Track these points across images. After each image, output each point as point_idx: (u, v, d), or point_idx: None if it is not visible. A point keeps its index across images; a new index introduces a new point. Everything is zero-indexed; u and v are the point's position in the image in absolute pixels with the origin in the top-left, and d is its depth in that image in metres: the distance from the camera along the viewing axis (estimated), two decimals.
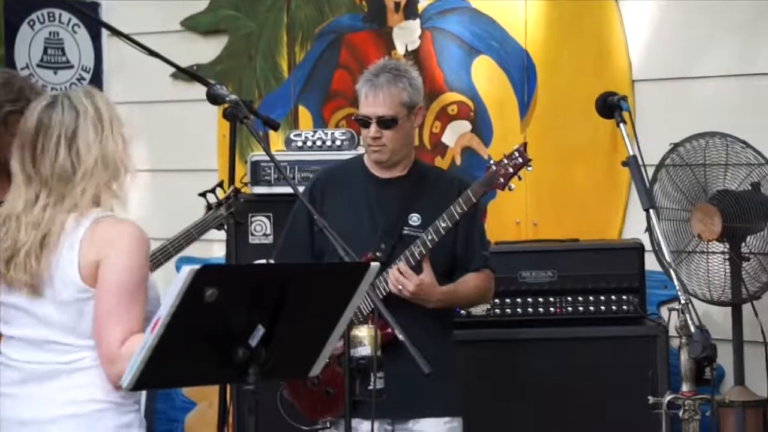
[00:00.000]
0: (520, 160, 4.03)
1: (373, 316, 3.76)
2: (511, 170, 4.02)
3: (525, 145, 4.08)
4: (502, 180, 4.01)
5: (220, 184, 4.59)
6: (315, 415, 4.10)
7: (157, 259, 4.34)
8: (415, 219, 4.13)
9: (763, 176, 4.57)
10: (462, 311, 4.73)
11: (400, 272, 3.99)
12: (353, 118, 4.14)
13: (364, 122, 4.13)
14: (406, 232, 4.11)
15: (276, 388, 4.27)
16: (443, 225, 4.01)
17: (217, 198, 4.53)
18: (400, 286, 3.99)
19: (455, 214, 4.01)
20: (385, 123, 4.10)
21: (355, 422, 3.79)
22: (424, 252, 4.01)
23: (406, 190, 4.16)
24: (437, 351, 3.95)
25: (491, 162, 4.07)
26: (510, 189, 4.05)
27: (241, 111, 3.89)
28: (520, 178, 4.05)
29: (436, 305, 4.05)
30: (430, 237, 4.01)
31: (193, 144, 6.19)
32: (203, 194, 4.50)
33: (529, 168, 4.04)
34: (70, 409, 3.15)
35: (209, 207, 4.47)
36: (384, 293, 4.01)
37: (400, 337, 3.45)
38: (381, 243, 4.10)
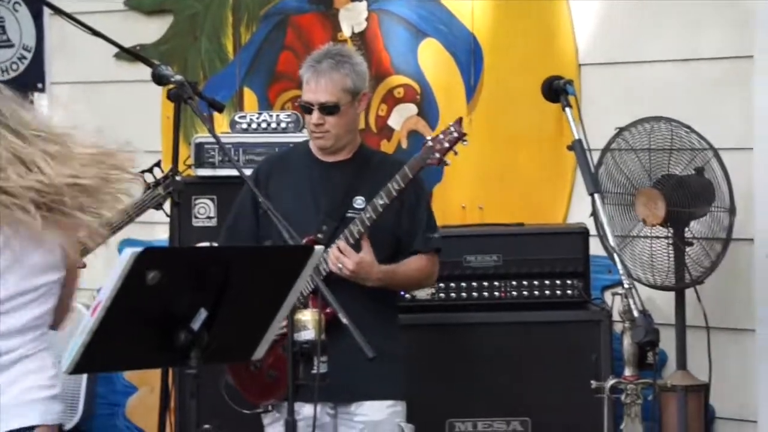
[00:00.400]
0: (455, 134, 4.05)
1: (316, 299, 3.75)
2: (446, 145, 4.03)
3: (460, 119, 4.10)
4: (438, 155, 4.03)
5: (158, 164, 4.57)
6: (257, 398, 4.11)
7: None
8: (359, 202, 4.14)
9: (707, 161, 4.61)
10: (407, 295, 4.74)
11: (340, 250, 4.00)
12: (296, 103, 4.14)
13: (307, 108, 4.15)
14: (350, 214, 4.12)
15: (219, 371, 4.26)
16: (381, 202, 4.03)
17: (155, 178, 4.51)
18: (340, 264, 4.00)
19: (392, 191, 4.03)
20: (328, 109, 4.11)
21: (297, 405, 3.79)
22: (362, 230, 4.02)
23: (350, 173, 4.18)
24: (381, 334, 3.96)
25: (427, 138, 4.09)
26: (446, 164, 4.07)
27: (185, 92, 3.88)
28: (455, 153, 4.07)
29: (375, 284, 4.06)
30: (368, 215, 4.03)
31: (136, 125, 6.14)
32: (140, 174, 4.48)
33: (465, 142, 4.06)
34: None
35: (147, 187, 4.45)
36: (324, 273, 4.02)
37: (344, 320, 3.46)
38: (323, 225, 4.11)
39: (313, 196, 4.17)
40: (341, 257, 4.00)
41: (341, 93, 4.10)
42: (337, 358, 3.78)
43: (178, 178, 4.40)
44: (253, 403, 4.14)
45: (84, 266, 4.32)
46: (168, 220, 4.63)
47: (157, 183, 4.45)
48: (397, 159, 4.33)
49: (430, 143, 4.06)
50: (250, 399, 4.13)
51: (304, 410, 3.92)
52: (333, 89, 4.10)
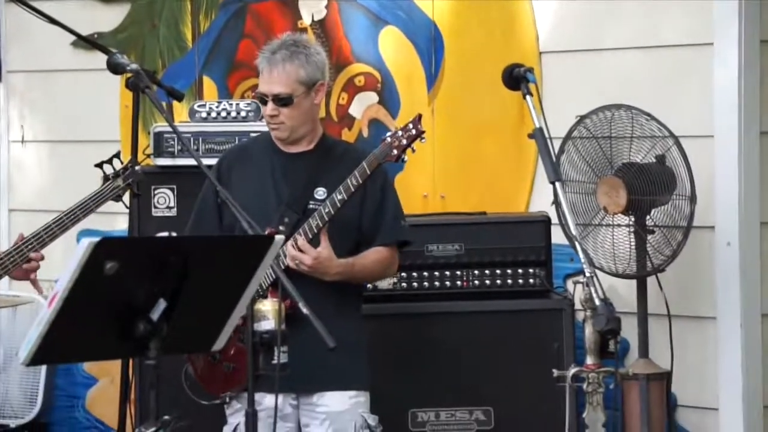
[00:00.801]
0: (414, 131, 4.04)
1: (276, 289, 3.75)
2: (405, 142, 4.03)
3: (419, 117, 4.09)
4: (395, 152, 4.03)
5: (117, 155, 4.55)
6: (217, 389, 4.10)
7: (52, 232, 4.30)
8: (320, 193, 4.13)
9: (667, 149, 4.63)
10: (369, 285, 4.74)
11: (297, 247, 4.00)
12: (253, 93, 4.15)
13: (262, 99, 4.15)
14: (311, 205, 4.11)
15: (180, 362, 4.25)
16: (339, 197, 4.02)
17: (114, 169, 4.49)
18: (297, 261, 4.00)
19: (351, 186, 4.02)
20: (282, 101, 4.10)
21: (258, 396, 3.79)
22: (321, 225, 4.02)
23: (311, 164, 4.17)
24: (344, 324, 3.96)
25: (386, 134, 4.09)
26: (403, 161, 4.07)
27: (142, 81, 3.87)
28: (413, 150, 4.07)
29: (334, 278, 4.05)
30: (327, 210, 4.03)
31: (94, 114, 6.12)
32: (99, 165, 4.46)
33: (423, 140, 4.06)
34: None
35: (106, 178, 4.44)
36: (283, 266, 4.01)
37: (304, 310, 3.46)
38: (284, 217, 4.10)
39: (274, 187, 4.16)
40: (298, 254, 4.00)
41: (295, 84, 4.09)
42: (299, 349, 3.79)
43: (137, 168, 4.39)
44: (213, 393, 4.13)
45: (42, 258, 4.31)
46: (127, 210, 4.63)
47: (116, 174, 4.43)
48: (360, 149, 4.32)
49: (388, 140, 4.05)
50: (209, 390, 4.13)
51: (266, 400, 3.92)
52: (287, 80, 4.09)
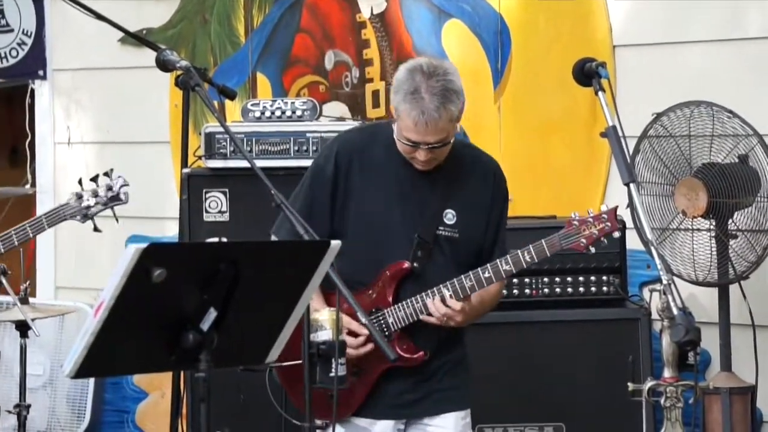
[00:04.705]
0: (608, 226, 3.90)
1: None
2: (595, 233, 3.89)
3: (615, 209, 3.92)
4: (584, 242, 3.89)
5: (108, 173, 4.55)
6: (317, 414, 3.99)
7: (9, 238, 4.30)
8: (450, 216, 3.98)
9: (751, 148, 4.59)
10: None
11: (446, 304, 3.88)
12: (398, 139, 3.88)
13: (412, 144, 3.88)
14: (440, 232, 3.97)
15: (233, 374, 4.24)
16: (506, 268, 3.90)
17: (94, 187, 4.48)
18: (447, 318, 3.90)
19: (522, 261, 3.90)
20: (439, 146, 3.88)
21: (366, 423, 3.92)
22: (476, 287, 3.90)
23: (441, 180, 3.97)
24: (452, 339, 3.99)
25: (574, 216, 3.93)
26: (590, 252, 3.93)
27: (192, 78, 3.88)
28: (603, 243, 3.93)
29: (470, 322, 4.01)
30: (487, 275, 3.90)
31: (143, 114, 6.17)
32: (80, 181, 4.46)
33: (616, 235, 3.93)
34: None
35: (78, 195, 4.43)
36: (418, 316, 3.92)
37: (363, 320, 3.46)
38: (419, 250, 3.95)
39: (400, 206, 3.96)
40: (449, 312, 3.88)
41: (450, 126, 3.87)
42: (407, 372, 3.87)
43: (122, 194, 4.39)
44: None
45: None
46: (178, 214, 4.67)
47: (92, 193, 4.43)
48: (486, 162, 4.10)
49: (575, 224, 3.91)
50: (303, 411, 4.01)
51: (376, 428, 3.94)
52: (444, 127, 3.84)
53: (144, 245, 2.77)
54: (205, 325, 2.92)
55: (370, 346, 3.88)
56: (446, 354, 4.00)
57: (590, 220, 3.90)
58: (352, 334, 3.88)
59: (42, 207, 6.31)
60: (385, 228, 3.94)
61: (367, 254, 3.94)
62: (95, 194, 4.48)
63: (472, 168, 4.04)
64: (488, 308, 4.09)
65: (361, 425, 3.97)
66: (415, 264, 3.93)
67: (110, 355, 2.87)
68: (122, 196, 4.45)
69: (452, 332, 3.99)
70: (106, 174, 4.53)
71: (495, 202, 4.04)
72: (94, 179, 4.51)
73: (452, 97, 3.84)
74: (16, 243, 4.34)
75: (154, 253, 2.79)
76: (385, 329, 3.93)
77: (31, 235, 4.36)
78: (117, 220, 4.39)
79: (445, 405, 4.01)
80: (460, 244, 3.97)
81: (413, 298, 3.92)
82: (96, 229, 4.46)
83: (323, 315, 3.60)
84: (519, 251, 3.90)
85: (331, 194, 3.96)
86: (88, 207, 4.43)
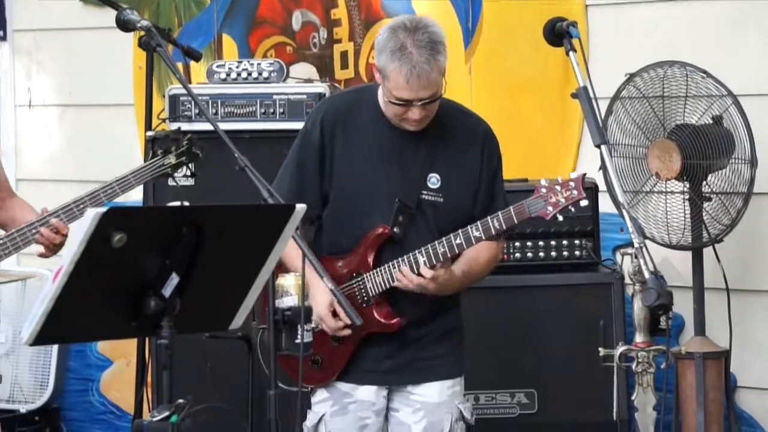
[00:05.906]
0: (575, 193, 3.86)
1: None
2: (562, 201, 3.86)
3: (583, 176, 3.89)
4: (550, 209, 3.85)
5: (179, 130, 4.37)
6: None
7: (84, 205, 4.14)
8: (434, 181, 3.97)
9: (725, 108, 4.60)
10: None
11: (419, 273, 3.87)
12: (388, 101, 3.86)
13: (402, 103, 3.86)
14: (424, 196, 3.96)
15: (197, 341, 4.22)
16: (476, 234, 3.87)
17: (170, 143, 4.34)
18: (421, 287, 3.90)
19: (492, 228, 3.86)
20: (431, 101, 3.87)
21: (349, 388, 3.95)
22: (448, 254, 3.88)
23: (425, 143, 3.96)
24: (440, 312, 4.00)
25: (542, 183, 3.89)
26: (556, 220, 3.90)
27: (155, 39, 3.85)
28: (570, 212, 3.90)
29: (455, 292, 4.00)
30: (458, 241, 3.87)
31: (106, 76, 6.14)
32: (152, 139, 4.31)
33: (582, 203, 3.88)
34: None
35: (154, 153, 4.27)
36: (392, 283, 3.92)
37: (329, 286, 3.46)
38: (399, 215, 3.94)
39: (384, 170, 3.95)
40: (422, 282, 3.87)
41: (440, 79, 3.87)
42: (394, 341, 3.90)
43: (194, 150, 4.26)
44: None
45: (67, 232, 4.16)
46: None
47: (167, 150, 4.27)
48: (475, 123, 4.08)
49: (543, 191, 3.87)
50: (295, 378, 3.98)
51: (358, 393, 3.97)
52: (435, 79, 3.84)
53: (103, 209, 2.77)
54: (167, 291, 2.92)
55: (348, 331, 3.90)
56: (432, 322, 4.00)
57: (557, 187, 3.87)
58: (336, 316, 3.89)
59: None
60: (369, 192, 3.95)
61: (351, 218, 3.96)
62: (168, 151, 4.26)
63: (461, 131, 4.03)
64: (477, 278, 4.06)
65: (344, 390, 4.00)
66: (395, 229, 3.93)
67: (70, 322, 2.87)
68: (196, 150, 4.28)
69: (442, 300, 3.99)
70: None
71: (485, 166, 4.02)
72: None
73: (440, 48, 3.86)
74: (98, 203, 4.17)
75: (113, 218, 2.79)
76: (365, 294, 3.95)
77: (120, 192, 4.21)
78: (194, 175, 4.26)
79: (428, 373, 4.02)
80: (444, 210, 3.97)
81: (390, 264, 3.92)
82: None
83: (288, 280, 3.60)
84: (489, 218, 3.89)
85: (318, 159, 3.98)
86: (168, 164, 4.22)
